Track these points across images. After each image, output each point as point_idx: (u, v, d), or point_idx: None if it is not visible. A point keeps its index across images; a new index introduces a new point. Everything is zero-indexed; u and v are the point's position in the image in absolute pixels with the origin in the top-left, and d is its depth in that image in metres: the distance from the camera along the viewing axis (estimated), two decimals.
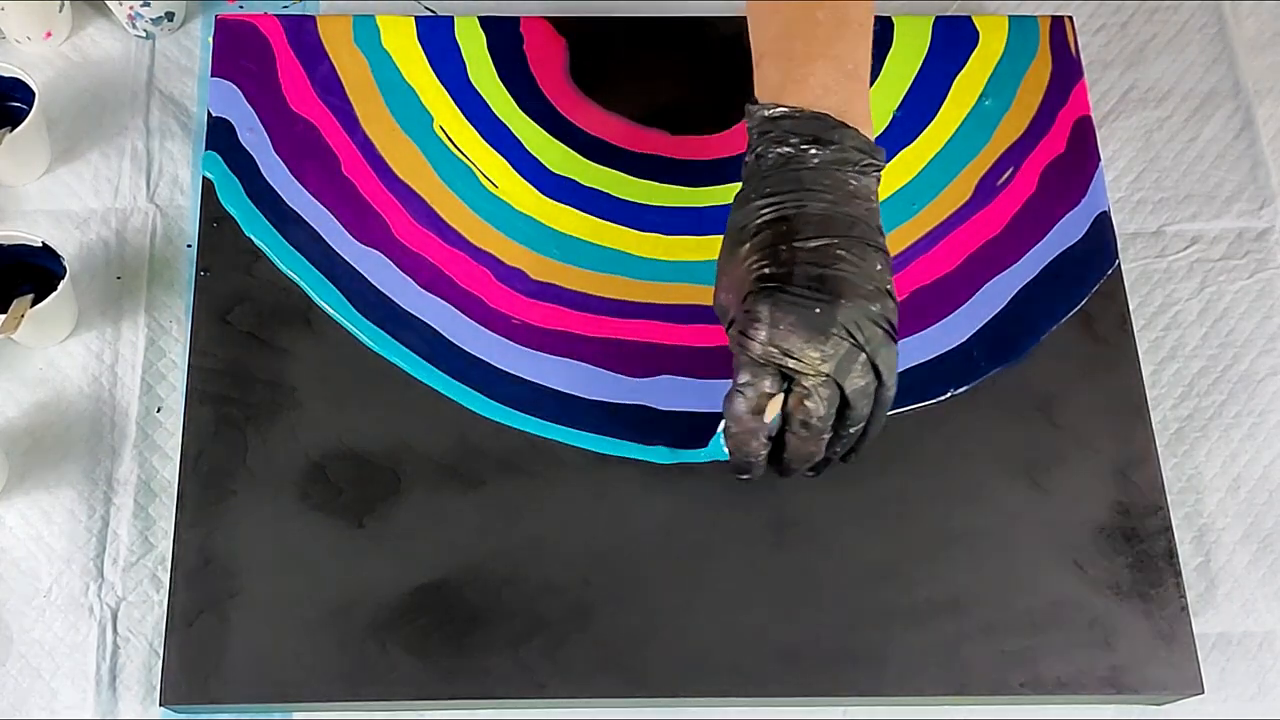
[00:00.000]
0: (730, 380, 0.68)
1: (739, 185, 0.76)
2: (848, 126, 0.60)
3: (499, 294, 0.73)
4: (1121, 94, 0.83)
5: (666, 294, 0.73)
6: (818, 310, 0.57)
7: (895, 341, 0.59)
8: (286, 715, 0.67)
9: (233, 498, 0.68)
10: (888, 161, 0.76)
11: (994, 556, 0.68)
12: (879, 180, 0.62)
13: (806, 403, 0.58)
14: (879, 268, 0.59)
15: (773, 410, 0.59)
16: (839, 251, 0.58)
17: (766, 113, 0.61)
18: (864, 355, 0.58)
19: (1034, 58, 0.80)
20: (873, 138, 0.61)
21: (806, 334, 0.57)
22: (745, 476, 0.64)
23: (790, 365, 0.58)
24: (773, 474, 0.66)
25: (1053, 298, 0.73)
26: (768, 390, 0.59)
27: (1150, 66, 0.84)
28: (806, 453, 0.61)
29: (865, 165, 0.60)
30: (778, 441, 0.61)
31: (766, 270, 0.58)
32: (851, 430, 0.61)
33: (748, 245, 0.60)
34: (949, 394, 0.71)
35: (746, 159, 0.62)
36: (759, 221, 0.60)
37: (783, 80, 0.61)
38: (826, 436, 0.60)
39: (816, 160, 0.60)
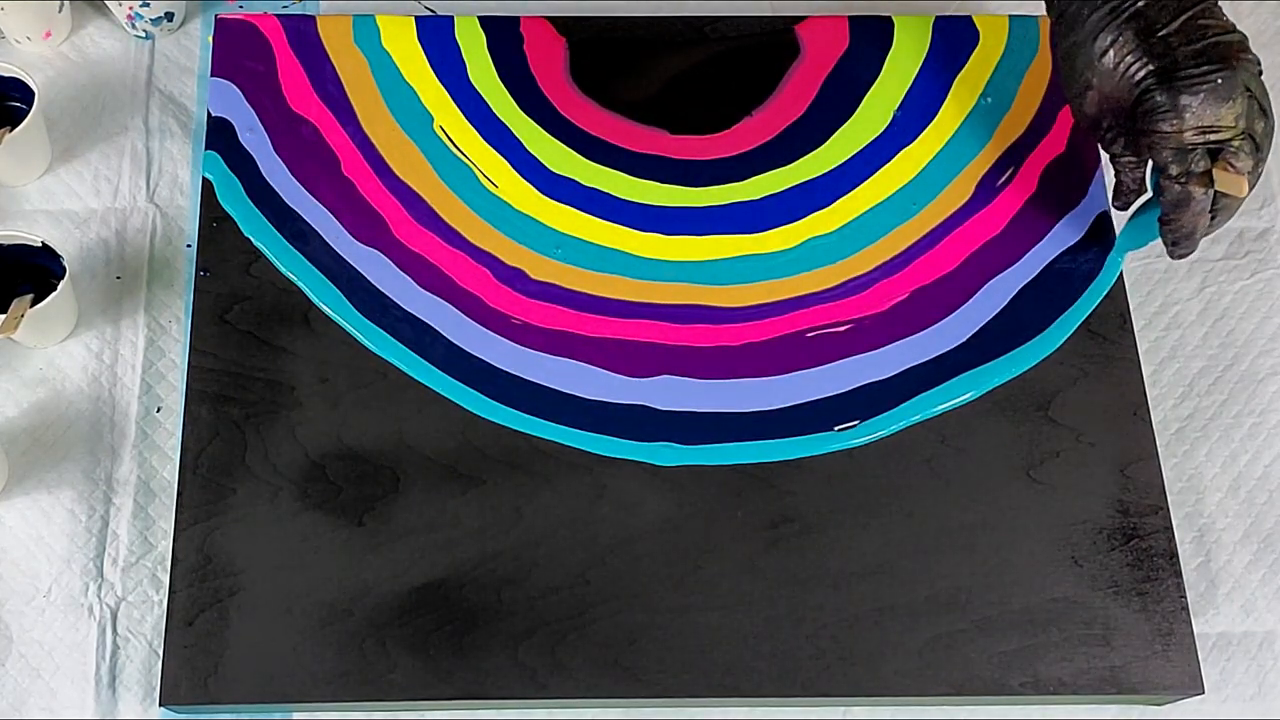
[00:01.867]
0: (729, 380, 0.69)
1: (739, 185, 0.77)
2: None
3: (499, 294, 0.73)
4: None
5: (666, 294, 0.73)
6: (1219, 80, 0.61)
7: (1262, 73, 0.64)
8: (286, 715, 0.67)
9: (232, 497, 0.68)
10: (890, 160, 0.77)
11: (994, 556, 0.68)
12: None
13: (1235, 162, 0.62)
14: (1226, 16, 0.64)
15: (1231, 178, 0.63)
16: (1200, 21, 0.63)
17: None
18: (1256, 101, 0.63)
19: (1034, 57, 0.80)
20: None
21: (1217, 104, 0.61)
22: (1188, 250, 0.67)
23: (1214, 139, 0.62)
24: (769, 473, 0.67)
25: (1052, 298, 0.73)
26: (1202, 169, 0.63)
27: None
28: (1238, 206, 0.65)
29: None
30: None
31: (1151, 65, 0.63)
32: (1260, 169, 0.64)
33: (1111, 52, 0.64)
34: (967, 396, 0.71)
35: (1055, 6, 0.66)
36: (1110, 27, 0.64)
37: None
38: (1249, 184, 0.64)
39: None
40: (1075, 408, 0.71)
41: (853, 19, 0.80)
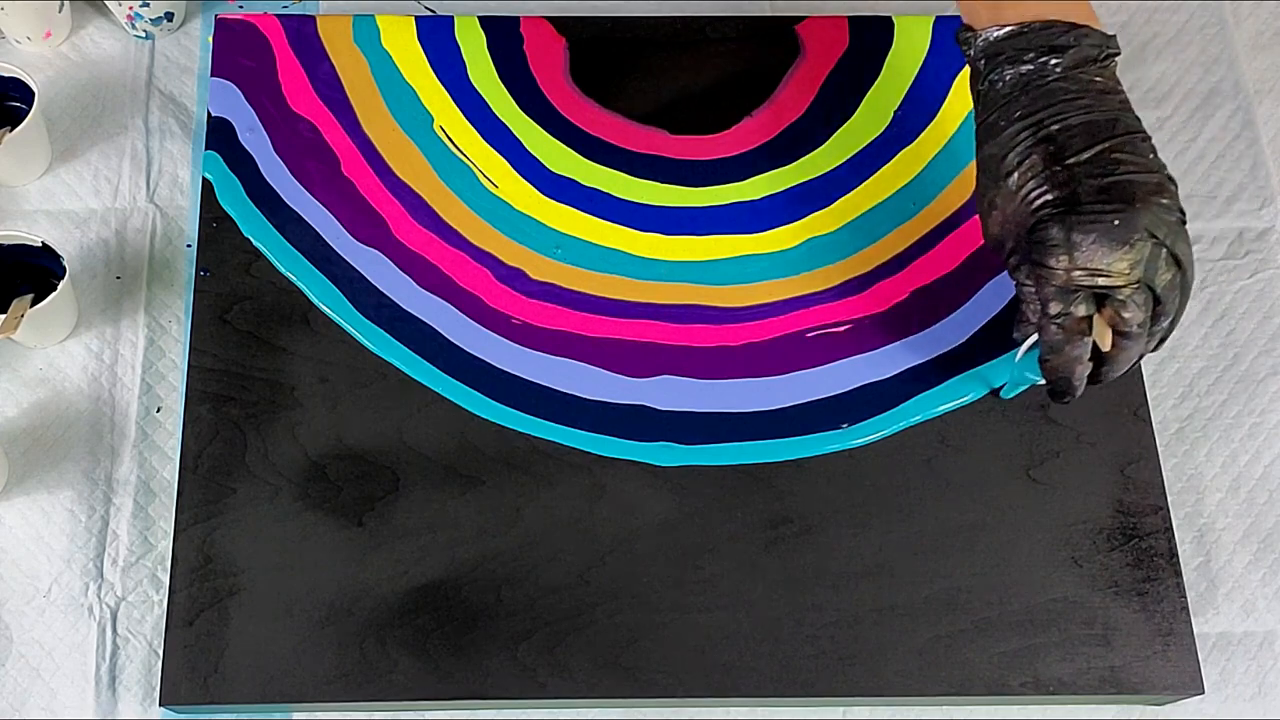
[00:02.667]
0: (729, 380, 0.69)
1: (739, 185, 0.76)
2: (1078, 26, 0.59)
3: (499, 294, 0.73)
4: None
5: (666, 294, 0.73)
6: (1116, 222, 0.57)
7: (1184, 222, 0.59)
8: (286, 715, 0.67)
9: (232, 497, 0.68)
10: (890, 160, 0.77)
11: (994, 556, 0.68)
12: (1116, 64, 0.61)
13: (1124, 314, 0.58)
14: (1152, 155, 0.59)
15: (1105, 333, 0.59)
16: (1115, 155, 0.58)
17: (990, 35, 0.60)
18: (1165, 250, 0.58)
19: None
20: (1099, 26, 0.61)
21: (1111, 248, 0.57)
22: (1066, 400, 0.63)
23: (1101, 283, 0.57)
24: (769, 473, 0.67)
25: None
26: (1082, 314, 0.59)
27: (1150, 66, 0.84)
28: (1127, 360, 0.61)
29: (1104, 59, 0.60)
30: (1095, 356, 0.61)
31: (1049, 196, 0.58)
32: (1164, 324, 0.60)
33: (1016, 175, 0.59)
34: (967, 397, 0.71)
35: (978, 87, 0.62)
36: (1020, 147, 0.59)
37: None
38: (1144, 340, 0.60)
39: (1059, 69, 0.59)
40: (1075, 408, 0.71)
41: (853, 19, 0.80)
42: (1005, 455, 0.70)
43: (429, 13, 0.83)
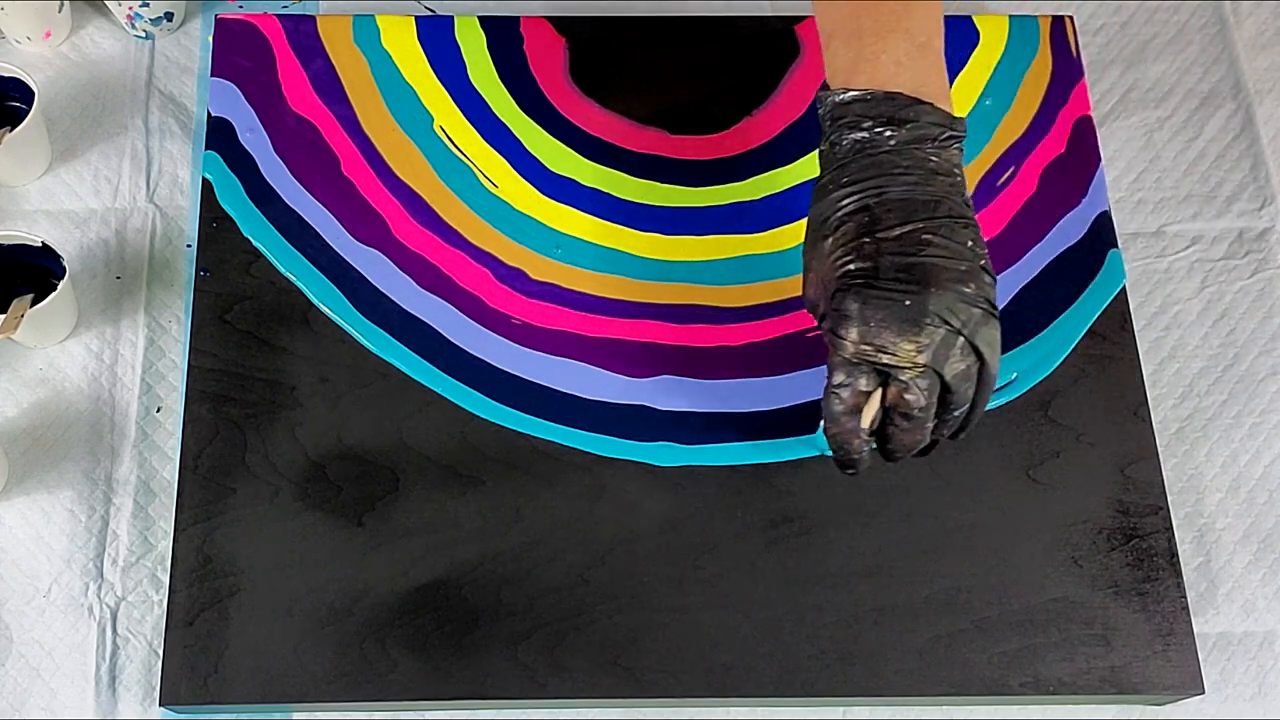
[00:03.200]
0: (729, 380, 0.68)
1: (739, 185, 0.76)
2: (922, 102, 0.58)
3: (499, 294, 0.73)
4: (1122, 94, 0.83)
5: (666, 294, 0.73)
6: (908, 302, 0.56)
7: (996, 317, 0.58)
8: (286, 715, 0.67)
9: (232, 497, 0.68)
10: None
11: (994, 556, 0.68)
12: (961, 151, 0.60)
13: (906, 396, 0.57)
14: (970, 244, 0.57)
15: (870, 409, 0.58)
16: (925, 236, 0.57)
17: (838, 98, 0.59)
18: (961, 339, 0.57)
19: (1034, 58, 0.80)
20: (953, 109, 0.60)
21: (898, 328, 0.56)
22: (851, 472, 0.62)
23: (884, 361, 0.56)
24: (769, 473, 0.67)
25: (1053, 298, 0.73)
26: (863, 389, 0.58)
27: (1150, 66, 0.84)
28: (911, 442, 0.60)
29: (945, 139, 0.59)
30: (881, 431, 0.60)
31: (852, 266, 0.57)
32: (955, 414, 0.59)
33: (831, 239, 0.58)
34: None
35: (821, 147, 0.61)
36: (840, 214, 0.58)
37: (854, 60, 0.60)
38: (930, 425, 0.59)
39: (894, 142, 0.58)
40: (1075, 408, 0.71)
41: None
42: (1005, 455, 0.70)
43: (429, 13, 0.83)
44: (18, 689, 0.67)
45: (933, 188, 0.58)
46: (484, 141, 0.77)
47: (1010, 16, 0.81)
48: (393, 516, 0.68)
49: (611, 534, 0.68)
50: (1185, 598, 0.67)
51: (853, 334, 0.56)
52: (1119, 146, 0.82)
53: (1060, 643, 0.66)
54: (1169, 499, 0.70)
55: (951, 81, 0.78)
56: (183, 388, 0.71)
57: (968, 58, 0.80)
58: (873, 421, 0.59)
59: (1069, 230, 0.75)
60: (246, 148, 0.76)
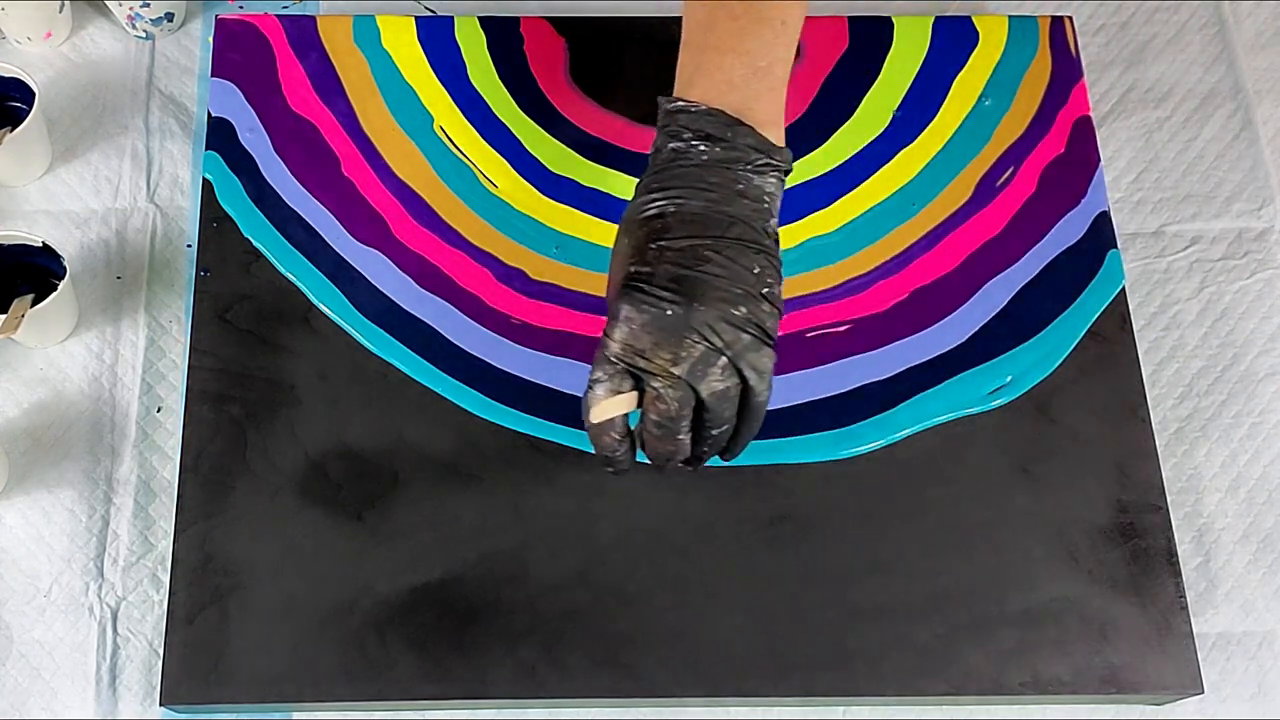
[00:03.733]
0: None
1: None
2: (742, 124, 0.58)
3: (499, 294, 0.73)
4: (1121, 94, 0.83)
5: None
6: (669, 312, 0.56)
7: (770, 345, 0.58)
8: (286, 715, 0.67)
9: (232, 496, 0.68)
10: (890, 160, 0.77)
11: (993, 556, 0.68)
12: (782, 182, 0.60)
13: (657, 404, 0.57)
14: (757, 270, 0.57)
15: (616, 408, 0.58)
16: (707, 253, 0.57)
17: (667, 105, 0.60)
18: (724, 359, 0.57)
19: (1034, 58, 0.80)
20: (780, 138, 0.60)
21: (657, 336, 0.56)
22: (611, 470, 0.62)
23: (641, 365, 0.57)
24: (769, 473, 0.67)
25: (1052, 298, 0.73)
26: (616, 389, 0.58)
27: (1150, 66, 0.84)
28: (663, 450, 0.60)
29: (761, 165, 0.59)
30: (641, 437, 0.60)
31: (633, 268, 0.58)
32: (714, 433, 0.59)
33: (627, 240, 0.59)
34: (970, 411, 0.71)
35: (651, 150, 0.61)
36: (641, 216, 0.59)
37: (693, 72, 0.60)
38: (683, 437, 0.59)
39: (705, 157, 0.58)
40: (1074, 407, 0.71)
41: (853, 19, 0.80)
42: (1004, 454, 0.70)
43: (429, 13, 0.83)
44: (18, 689, 0.67)
45: (732, 208, 0.58)
46: (484, 141, 0.77)
47: (1010, 17, 0.81)
48: (393, 516, 0.68)
49: (611, 534, 0.68)
50: (1185, 597, 0.67)
51: (616, 334, 0.57)
52: (1119, 146, 0.82)
53: (1059, 642, 0.66)
54: (1168, 499, 0.70)
55: (951, 81, 0.78)
56: (183, 387, 0.71)
57: (968, 58, 0.80)
58: (626, 423, 0.59)
59: (1068, 230, 0.75)
60: (246, 148, 0.76)
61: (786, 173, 0.60)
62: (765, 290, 0.58)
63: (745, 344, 0.57)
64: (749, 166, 0.59)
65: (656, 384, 0.57)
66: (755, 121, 0.59)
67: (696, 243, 0.57)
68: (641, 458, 0.62)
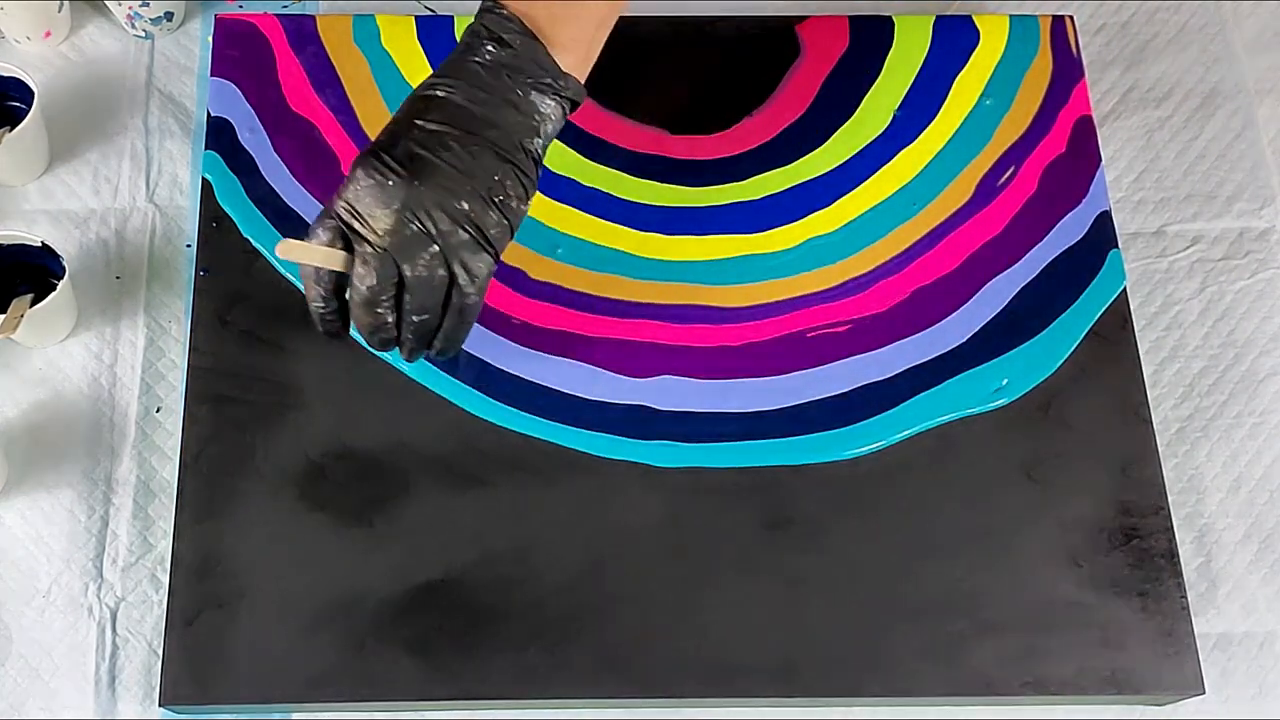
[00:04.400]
0: (729, 380, 0.68)
1: (739, 185, 0.76)
2: (536, 40, 0.60)
3: (499, 294, 0.73)
4: (1122, 94, 0.83)
5: (666, 294, 0.73)
6: (391, 183, 0.57)
7: (489, 252, 0.59)
8: (286, 715, 0.67)
9: (232, 497, 0.67)
10: (890, 160, 0.77)
11: (994, 556, 0.68)
12: (563, 109, 0.61)
13: (358, 267, 0.59)
14: (498, 177, 0.59)
15: (306, 255, 0.60)
16: (452, 143, 0.58)
17: (484, 4, 0.61)
18: (436, 247, 0.58)
19: (1034, 57, 0.80)
20: (581, 71, 0.61)
21: (372, 201, 0.58)
22: (320, 329, 0.63)
23: (355, 228, 0.58)
24: (769, 473, 0.67)
25: (1053, 298, 0.73)
26: (323, 239, 0.59)
27: (1150, 66, 0.84)
28: (365, 321, 0.61)
29: (544, 83, 0.60)
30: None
31: (383, 137, 0.59)
32: (415, 319, 0.61)
33: (401, 109, 0.60)
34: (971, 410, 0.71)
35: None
36: (414, 95, 0.60)
37: None
38: (383, 312, 0.60)
39: (489, 58, 0.60)
40: (1075, 408, 0.71)
41: (853, 19, 0.80)
42: (1005, 456, 0.70)
43: (429, 13, 0.83)
44: (18, 689, 0.67)
45: (498, 115, 0.59)
46: None
47: (1010, 16, 0.81)
48: (393, 516, 0.67)
49: (612, 534, 0.67)
50: (1186, 598, 0.67)
51: (345, 191, 0.59)
52: (1119, 146, 0.82)
53: (1061, 643, 0.66)
54: (1169, 499, 0.69)
55: (951, 81, 0.78)
56: (182, 388, 0.71)
57: (968, 58, 0.80)
58: (334, 282, 0.61)
59: (1069, 230, 0.75)
60: (246, 148, 0.76)
61: (573, 103, 0.61)
62: (499, 199, 0.59)
63: (462, 241, 0.59)
64: (529, 80, 0.60)
65: (362, 249, 0.59)
66: (553, 43, 0.60)
67: (446, 131, 0.58)
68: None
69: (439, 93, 0.59)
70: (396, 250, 0.58)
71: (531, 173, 0.61)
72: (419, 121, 0.59)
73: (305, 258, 0.60)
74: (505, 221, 0.60)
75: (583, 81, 0.62)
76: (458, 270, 0.59)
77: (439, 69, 0.61)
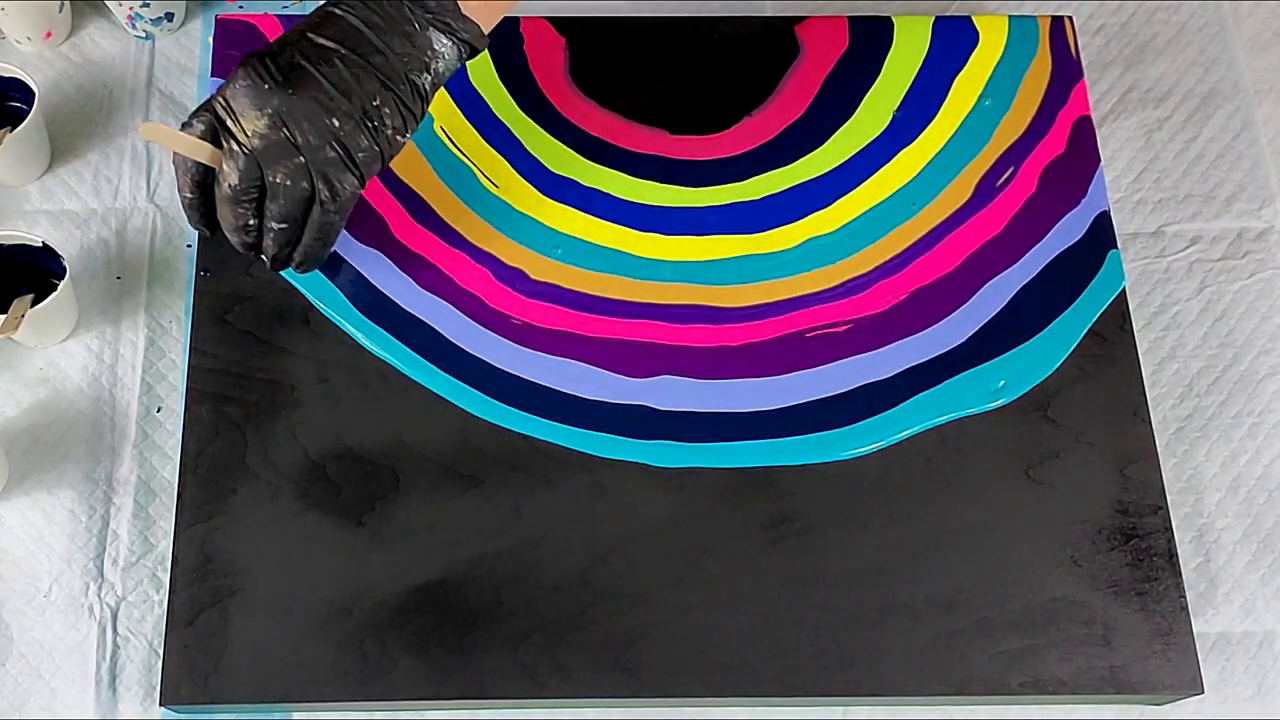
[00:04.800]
0: (729, 380, 0.68)
1: (739, 185, 0.77)
2: None
3: (499, 294, 0.73)
4: (1121, 94, 0.83)
5: (666, 294, 0.73)
6: (266, 86, 0.58)
7: (354, 174, 0.60)
8: (286, 715, 0.67)
9: (232, 497, 0.68)
10: (890, 160, 0.77)
11: (994, 556, 0.68)
12: (460, 52, 0.62)
13: (225, 163, 0.60)
14: (376, 103, 0.60)
15: (169, 139, 0.61)
16: (338, 62, 0.59)
17: None
18: (301, 159, 0.59)
19: (1034, 58, 0.80)
20: (480, 18, 0.61)
21: (247, 102, 0.59)
22: (190, 225, 0.65)
23: (227, 124, 0.59)
24: (769, 473, 0.67)
25: (1052, 298, 0.73)
26: (195, 130, 0.60)
27: (1150, 66, 0.84)
28: (226, 219, 0.63)
29: (444, 21, 0.60)
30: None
31: (274, 44, 0.60)
32: (274, 226, 0.62)
33: (304, 20, 0.61)
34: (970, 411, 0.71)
35: None
36: (316, 10, 0.61)
37: None
38: (244, 212, 0.62)
39: None
40: (1075, 408, 0.71)
41: (853, 19, 0.80)
42: (1005, 455, 0.70)
43: None
44: (18, 689, 0.67)
45: (387, 41, 0.60)
46: (484, 141, 0.77)
47: (1010, 17, 0.81)
48: (393, 516, 0.68)
49: (611, 534, 0.68)
50: (1185, 598, 0.67)
51: (225, 88, 0.60)
52: (1118, 147, 0.82)
53: (1060, 643, 0.66)
54: (1168, 499, 0.70)
55: (951, 81, 0.78)
56: (183, 388, 0.71)
57: (967, 58, 0.80)
58: (197, 176, 0.62)
59: (1068, 230, 0.75)
60: None
61: (471, 49, 0.62)
62: (374, 124, 0.60)
63: (327, 157, 0.59)
64: (429, 15, 0.60)
65: (229, 145, 0.60)
66: None
67: (332, 48, 0.59)
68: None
69: (338, 10, 0.60)
70: (261, 155, 0.59)
71: (415, 107, 0.61)
72: (310, 35, 0.60)
73: (170, 143, 0.61)
74: (376, 148, 0.60)
75: (485, 33, 0.62)
76: (320, 186, 0.60)
77: None
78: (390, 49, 0.60)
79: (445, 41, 0.61)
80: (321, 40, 0.59)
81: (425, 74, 0.61)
